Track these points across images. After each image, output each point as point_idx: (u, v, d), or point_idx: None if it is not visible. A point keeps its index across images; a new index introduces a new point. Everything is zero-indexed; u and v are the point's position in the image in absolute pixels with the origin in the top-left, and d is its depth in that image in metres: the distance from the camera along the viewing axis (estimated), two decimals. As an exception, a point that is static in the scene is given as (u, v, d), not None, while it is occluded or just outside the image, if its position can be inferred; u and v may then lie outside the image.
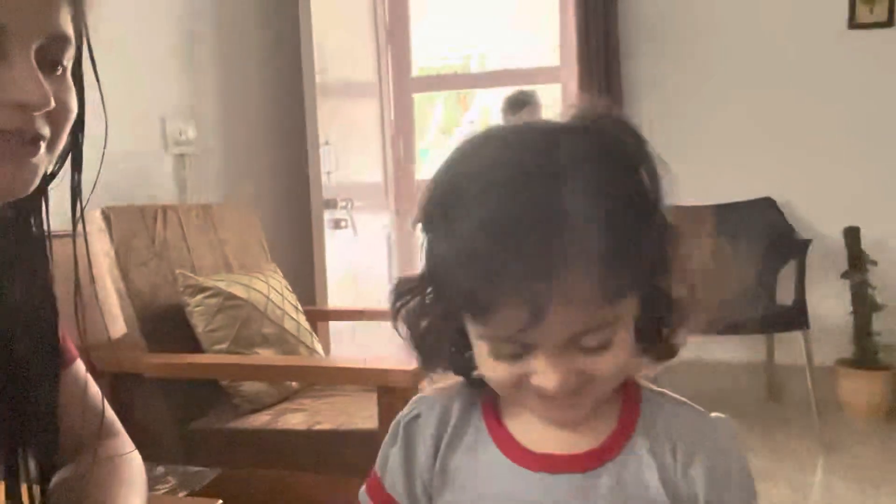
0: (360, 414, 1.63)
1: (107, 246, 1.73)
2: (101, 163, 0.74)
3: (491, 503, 0.57)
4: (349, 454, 1.51)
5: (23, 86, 0.57)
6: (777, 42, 2.83)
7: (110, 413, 0.88)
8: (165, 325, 1.81)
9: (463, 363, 0.57)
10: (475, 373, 0.57)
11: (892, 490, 2.09)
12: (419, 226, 0.54)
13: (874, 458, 2.35)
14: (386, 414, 1.39)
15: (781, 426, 2.62)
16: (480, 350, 0.53)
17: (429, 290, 0.56)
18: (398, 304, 0.57)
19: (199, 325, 1.81)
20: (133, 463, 0.84)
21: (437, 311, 0.55)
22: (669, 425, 0.56)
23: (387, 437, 0.63)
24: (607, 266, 0.47)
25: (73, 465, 0.80)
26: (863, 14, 2.74)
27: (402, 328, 0.58)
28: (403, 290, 0.57)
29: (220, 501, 0.88)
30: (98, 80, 0.70)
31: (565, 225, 0.46)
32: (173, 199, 2.23)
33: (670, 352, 0.57)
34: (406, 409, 0.62)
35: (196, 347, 1.81)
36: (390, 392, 1.39)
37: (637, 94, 2.95)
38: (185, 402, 1.77)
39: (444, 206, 0.51)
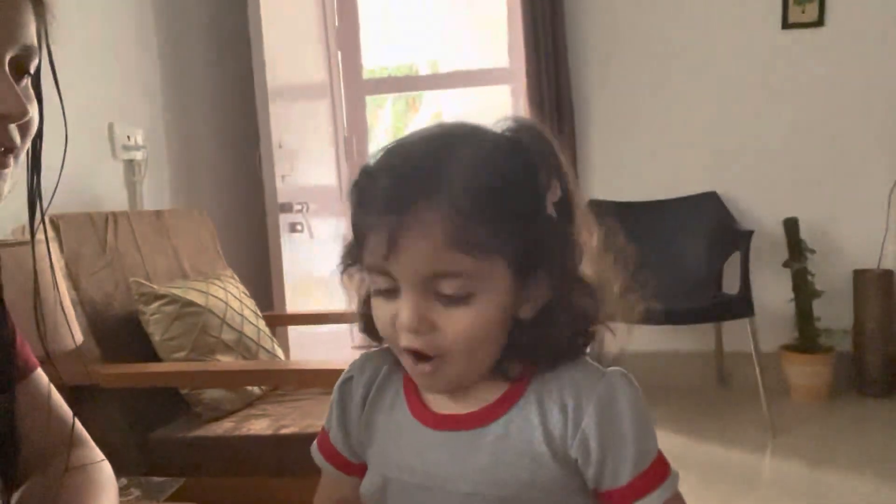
0: (325, 416, 1.62)
1: (56, 255, 1.68)
2: (62, 169, 0.73)
3: (400, 457, 0.63)
4: (316, 456, 1.51)
5: (3, 98, 0.56)
6: (717, 42, 2.93)
7: (77, 423, 0.86)
8: (120, 334, 1.77)
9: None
10: None
11: (835, 467, 2.20)
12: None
13: (818, 437, 2.46)
14: (352, 414, 1.40)
15: (731, 411, 2.72)
16: (373, 300, 0.60)
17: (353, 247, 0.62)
18: (341, 266, 0.64)
19: (156, 333, 1.78)
20: (103, 471, 0.82)
21: (352, 251, 0.63)
22: (561, 384, 0.60)
23: (332, 397, 0.71)
24: (459, 216, 0.53)
25: (39, 477, 0.79)
26: (795, 14, 2.87)
27: (353, 301, 0.65)
28: (343, 253, 0.64)
29: (195, 505, 0.87)
30: (58, 88, 0.70)
31: (432, 174, 0.54)
32: (122, 206, 2.18)
33: (567, 354, 0.61)
34: (344, 372, 0.70)
35: (153, 356, 1.78)
36: (356, 392, 1.39)
37: (585, 95, 3.02)
38: (144, 413, 1.73)
39: (359, 172, 0.60)
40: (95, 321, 1.71)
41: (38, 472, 0.79)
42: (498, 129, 0.60)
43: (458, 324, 0.56)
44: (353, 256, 0.62)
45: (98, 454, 0.84)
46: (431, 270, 0.55)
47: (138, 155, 2.24)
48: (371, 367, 0.67)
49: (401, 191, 0.55)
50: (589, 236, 0.61)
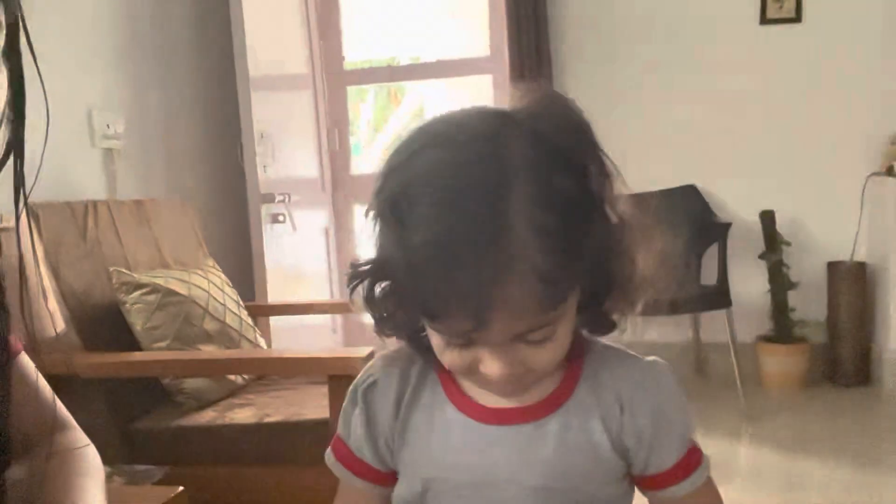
0: (310, 405, 1.63)
1: (36, 243, 1.66)
2: (43, 154, 0.73)
3: (447, 455, 0.61)
4: (302, 445, 1.51)
5: None
6: (697, 36, 2.97)
7: (61, 406, 0.86)
8: (101, 324, 1.75)
9: (419, 340, 0.60)
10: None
11: (808, 455, 2.24)
12: (370, 214, 0.56)
13: (792, 425, 2.52)
14: (338, 403, 1.40)
15: (708, 400, 2.76)
16: (433, 337, 0.56)
17: (383, 280, 0.57)
18: (354, 284, 0.59)
19: (138, 322, 1.76)
20: (89, 455, 0.82)
21: (391, 300, 0.58)
22: (613, 375, 0.61)
23: (345, 404, 0.67)
24: (548, 276, 0.49)
25: (26, 461, 0.79)
26: (772, 10, 2.91)
27: (359, 302, 0.60)
28: (358, 273, 0.58)
29: (182, 488, 0.88)
30: (38, 67, 0.69)
31: (508, 238, 0.48)
32: (100, 195, 2.15)
33: (611, 325, 0.61)
34: (362, 376, 0.66)
35: (134, 346, 1.77)
36: (342, 380, 1.40)
37: (567, 88, 3.04)
38: (124, 403, 1.72)
39: (395, 206, 0.52)
40: (75, 311, 1.69)
41: (24, 455, 0.79)
42: (526, 123, 0.54)
43: (545, 356, 0.55)
44: (375, 280, 0.58)
45: (84, 438, 0.85)
46: (522, 332, 0.53)
47: (118, 143, 2.22)
48: (398, 368, 0.64)
49: (477, 272, 0.48)
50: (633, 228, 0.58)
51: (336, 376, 1.41)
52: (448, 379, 0.62)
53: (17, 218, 0.72)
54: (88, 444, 0.84)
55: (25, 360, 0.83)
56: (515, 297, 0.49)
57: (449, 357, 0.56)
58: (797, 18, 2.88)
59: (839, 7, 2.85)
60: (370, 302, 0.59)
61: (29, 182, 0.71)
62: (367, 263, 0.58)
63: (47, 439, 0.79)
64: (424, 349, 0.60)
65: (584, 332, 0.62)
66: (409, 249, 0.50)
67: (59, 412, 0.85)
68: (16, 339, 0.82)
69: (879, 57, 2.84)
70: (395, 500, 0.65)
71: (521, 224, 0.48)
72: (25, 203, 0.71)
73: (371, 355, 1.39)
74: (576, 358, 0.61)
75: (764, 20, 2.91)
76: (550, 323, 0.53)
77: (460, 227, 0.49)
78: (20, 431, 0.78)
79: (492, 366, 0.54)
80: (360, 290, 0.59)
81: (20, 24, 0.64)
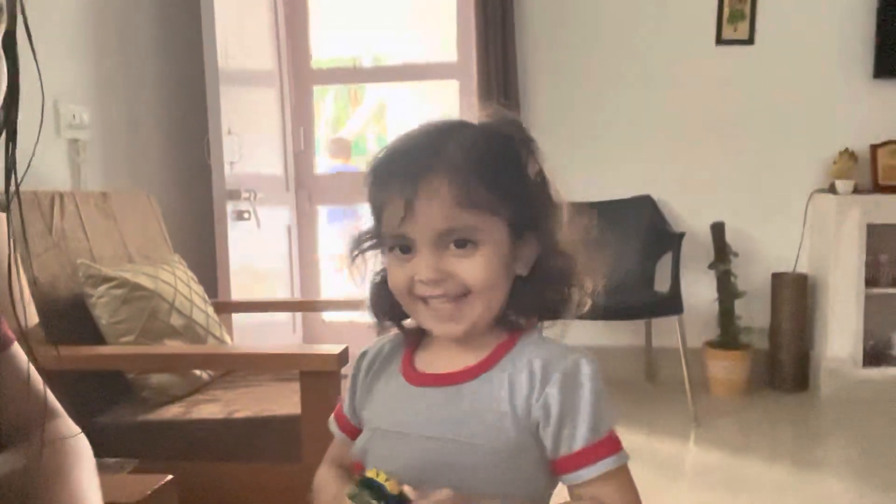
0: (279, 401, 1.64)
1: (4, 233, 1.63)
2: (37, 140, 0.74)
3: (388, 413, 0.73)
4: (271, 441, 1.52)
5: None
6: (656, 55, 3.09)
7: (51, 395, 0.87)
8: (65, 317, 1.73)
9: (397, 312, 0.74)
10: (406, 321, 0.75)
11: (752, 457, 2.36)
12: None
13: (736, 429, 2.64)
14: (309, 398, 1.42)
15: (658, 404, 2.87)
16: (388, 266, 0.71)
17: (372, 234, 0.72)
18: (353, 251, 0.74)
19: (104, 316, 1.75)
20: (80, 443, 0.84)
21: (372, 241, 0.73)
22: (535, 354, 0.69)
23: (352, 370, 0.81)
24: (464, 180, 0.64)
25: (18, 449, 0.80)
26: (727, 32, 3.05)
27: (361, 285, 0.75)
28: (356, 238, 0.74)
29: (171, 476, 0.89)
30: (34, 54, 0.70)
31: (438, 151, 0.66)
32: (65, 186, 2.12)
33: (538, 308, 0.71)
34: (364, 348, 0.80)
35: (99, 340, 1.75)
36: (314, 376, 1.42)
37: (530, 102, 3.11)
38: (86, 398, 1.70)
39: (371, 162, 0.70)
40: (40, 303, 1.66)
41: (16, 443, 0.80)
42: (482, 120, 0.72)
43: (469, 270, 0.66)
44: (370, 235, 0.72)
45: (74, 426, 0.86)
46: (442, 227, 0.65)
47: (83, 134, 2.18)
48: (381, 345, 0.78)
49: (411, 167, 0.66)
50: (562, 209, 0.71)
51: (308, 372, 1.43)
52: (409, 354, 0.74)
53: (8, 203, 0.73)
54: (79, 433, 0.85)
55: (17, 349, 0.84)
56: (434, 187, 0.64)
57: (393, 277, 0.69)
58: (750, 40, 3.03)
59: (788, 30, 3.01)
60: (371, 282, 0.74)
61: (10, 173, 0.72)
62: (364, 229, 0.73)
63: (39, 428, 0.80)
64: (403, 328, 0.76)
65: (512, 316, 0.71)
66: (370, 171, 0.70)
67: (49, 401, 0.86)
68: (8, 330, 0.83)
69: (825, 80, 3.01)
70: (352, 450, 0.75)
71: (451, 145, 0.66)
72: (17, 189, 0.72)
73: (345, 352, 1.41)
74: (511, 339, 0.70)
75: (719, 41, 3.05)
76: (469, 229, 0.65)
77: (404, 145, 0.69)
78: (11, 420, 0.79)
79: (421, 267, 0.66)
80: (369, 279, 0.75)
81: (18, 6, 0.66)
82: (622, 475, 0.67)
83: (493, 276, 0.67)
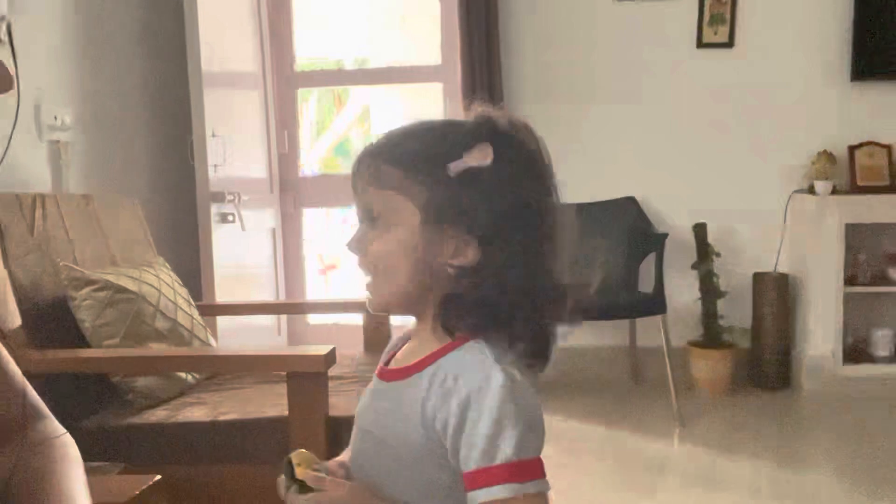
0: (266, 403, 1.63)
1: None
2: (9, 141, 0.74)
3: (359, 402, 0.78)
4: (259, 443, 1.51)
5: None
6: (638, 58, 3.12)
7: (35, 396, 0.87)
8: (48, 320, 1.71)
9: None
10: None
11: (735, 455, 2.38)
12: None
13: (720, 427, 2.66)
14: (297, 399, 1.42)
15: (642, 403, 2.89)
16: None
17: None
18: None
19: (87, 319, 1.73)
20: (67, 444, 0.83)
21: None
22: (456, 365, 0.67)
23: None
24: (376, 162, 0.70)
25: (3, 451, 0.79)
26: (708, 35, 3.09)
27: None
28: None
29: (159, 476, 0.89)
30: (14, 56, 0.70)
31: (379, 143, 0.72)
32: (46, 188, 2.10)
33: (464, 317, 0.68)
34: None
35: (83, 343, 1.73)
36: (301, 378, 1.42)
37: (515, 104, 3.13)
38: (71, 401, 1.68)
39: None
40: (22, 306, 1.65)
41: (2, 445, 0.79)
42: (465, 118, 0.73)
43: (371, 244, 0.71)
44: None
45: (59, 427, 0.85)
46: (360, 204, 0.72)
47: (65, 136, 2.16)
48: (396, 337, 0.81)
49: (362, 154, 0.73)
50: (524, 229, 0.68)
51: (296, 374, 1.42)
52: (401, 347, 0.77)
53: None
54: (65, 433, 0.85)
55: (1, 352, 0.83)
56: (361, 170, 0.71)
57: None
58: (730, 44, 3.07)
59: (767, 34, 3.06)
60: None
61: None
62: None
63: (26, 428, 0.80)
64: None
65: (441, 324, 0.68)
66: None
67: (33, 402, 0.85)
68: None
69: (804, 83, 3.06)
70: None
71: (388, 133, 0.72)
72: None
73: (332, 353, 1.41)
74: (451, 345, 0.69)
75: (700, 44, 3.08)
76: (378, 208, 0.69)
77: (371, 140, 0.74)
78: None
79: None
80: None
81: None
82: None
83: (392, 256, 0.69)
